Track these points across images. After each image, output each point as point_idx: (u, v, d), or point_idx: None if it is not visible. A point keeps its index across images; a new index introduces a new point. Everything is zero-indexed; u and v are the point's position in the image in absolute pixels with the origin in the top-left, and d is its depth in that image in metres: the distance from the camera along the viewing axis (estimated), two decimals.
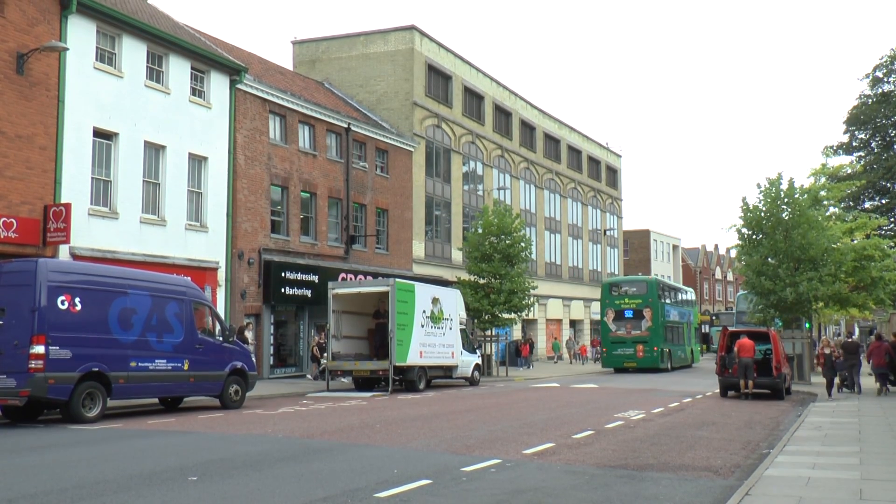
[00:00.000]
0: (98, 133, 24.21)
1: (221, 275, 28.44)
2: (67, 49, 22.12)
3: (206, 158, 28.12)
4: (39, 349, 15.38)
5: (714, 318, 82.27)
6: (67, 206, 22.15)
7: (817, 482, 9.88)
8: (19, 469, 10.49)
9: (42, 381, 15.35)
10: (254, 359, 21.81)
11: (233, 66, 29.23)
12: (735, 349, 24.89)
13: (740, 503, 8.57)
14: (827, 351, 26.19)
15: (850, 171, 51.67)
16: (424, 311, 27.28)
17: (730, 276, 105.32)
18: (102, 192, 24.44)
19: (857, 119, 52.84)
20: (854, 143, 54.07)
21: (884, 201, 52.19)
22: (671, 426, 16.63)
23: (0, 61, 21.26)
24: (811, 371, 32.48)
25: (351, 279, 32.97)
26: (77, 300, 16.16)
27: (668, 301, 46.16)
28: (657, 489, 9.67)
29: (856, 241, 39.36)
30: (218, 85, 28.79)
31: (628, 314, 43.28)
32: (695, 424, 17.05)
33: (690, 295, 54.70)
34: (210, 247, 28.05)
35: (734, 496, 8.85)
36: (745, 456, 12.65)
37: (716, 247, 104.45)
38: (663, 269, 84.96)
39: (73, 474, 10.08)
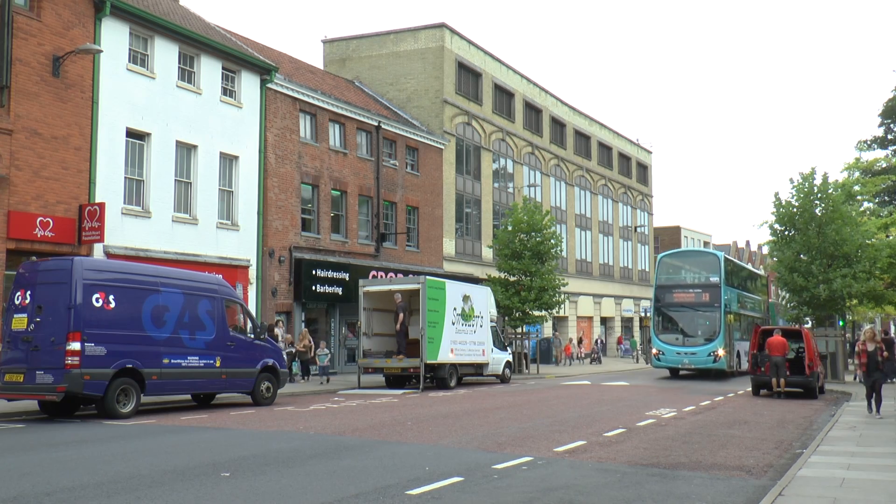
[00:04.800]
0: (131, 133, 24.52)
1: (252, 273, 28.67)
2: (101, 51, 22.44)
3: (236, 157, 28.35)
4: (75, 346, 15.60)
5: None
6: (102, 206, 22.47)
7: (852, 483, 9.77)
8: (56, 463, 10.66)
9: (78, 376, 15.58)
10: (285, 356, 21.93)
11: (263, 65, 29.43)
12: (766, 347, 24.65)
13: (773, 503, 8.49)
14: (871, 347, 19.02)
15: (885, 165, 50.89)
16: (455, 309, 27.29)
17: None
18: (135, 191, 24.75)
19: (892, 111, 52.04)
20: (889, 137, 53.28)
21: None
22: (703, 424, 16.52)
23: (37, 64, 21.60)
24: (845, 370, 32.02)
25: (382, 277, 33.08)
26: (111, 298, 16.36)
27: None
28: (689, 488, 9.62)
29: (892, 237, 38.75)
30: (249, 84, 29.01)
31: None
32: (727, 423, 16.92)
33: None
34: (241, 245, 28.28)
35: (767, 496, 8.77)
36: (777, 455, 12.53)
37: (747, 243, 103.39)
38: None
39: (109, 469, 10.22)
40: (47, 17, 21.98)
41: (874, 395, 18.52)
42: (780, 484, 9.48)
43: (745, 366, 34.54)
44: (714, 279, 33.75)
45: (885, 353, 19.41)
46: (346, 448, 12.24)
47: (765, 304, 42.94)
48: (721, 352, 32.25)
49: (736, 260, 41.57)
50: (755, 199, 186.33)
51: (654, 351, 34.37)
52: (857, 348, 20.17)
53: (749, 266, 46.74)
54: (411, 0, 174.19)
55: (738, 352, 35.16)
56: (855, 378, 27.57)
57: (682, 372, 34.60)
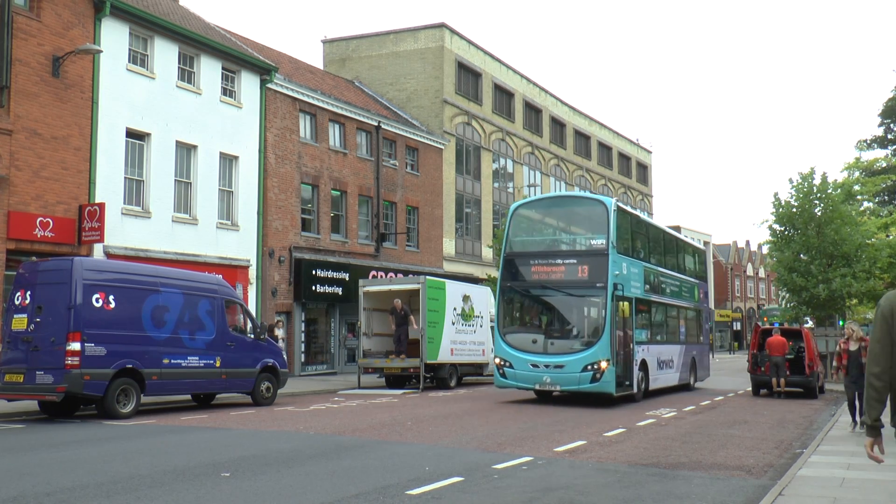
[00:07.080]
0: (131, 133, 24.52)
1: (252, 273, 28.67)
2: (101, 51, 22.43)
3: (236, 157, 28.35)
4: (75, 346, 15.59)
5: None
6: (101, 206, 22.47)
7: (852, 483, 9.76)
8: (57, 463, 10.65)
9: (78, 377, 15.57)
10: (285, 356, 21.94)
11: (263, 65, 29.43)
12: (766, 347, 24.67)
13: (773, 503, 8.49)
14: (853, 346, 15.96)
15: (884, 164, 50.86)
16: (455, 309, 27.29)
17: (762, 273, 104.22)
18: (135, 191, 24.75)
19: (892, 111, 52.02)
20: (889, 136, 53.28)
21: None
22: (703, 424, 16.52)
23: (36, 64, 21.59)
24: None
25: (381, 277, 33.08)
26: (111, 298, 16.35)
27: None
28: (689, 488, 9.62)
29: (891, 237, 38.75)
30: (248, 84, 29.01)
31: None
32: (727, 423, 16.92)
33: None
34: (241, 245, 28.28)
35: (767, 496, 8.76)
36: (777, 455, 12.53)
37: (747, 243, 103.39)
38: None
39: (109, 469, 10.21)
40: (47, 17, 21.97)
41: (859, 403, 15.14)
42: (780, 484, 9.47)
43: (657, 383, 23.66)
44: (598, 242, 20.93)
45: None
46: (347, 448, 12.23)
47: (700, 290, 30.39)
48: (604, 364, 19.64)
49: (642, 215, 27.37)
50: (755, 199, 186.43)
51: (496, 360, 21.43)
52: (837, 348, 17.23)
53: (669, 229, 29.39)
54: (411, 0, 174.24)
55: (644, 362, 22.36)
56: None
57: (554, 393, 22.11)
